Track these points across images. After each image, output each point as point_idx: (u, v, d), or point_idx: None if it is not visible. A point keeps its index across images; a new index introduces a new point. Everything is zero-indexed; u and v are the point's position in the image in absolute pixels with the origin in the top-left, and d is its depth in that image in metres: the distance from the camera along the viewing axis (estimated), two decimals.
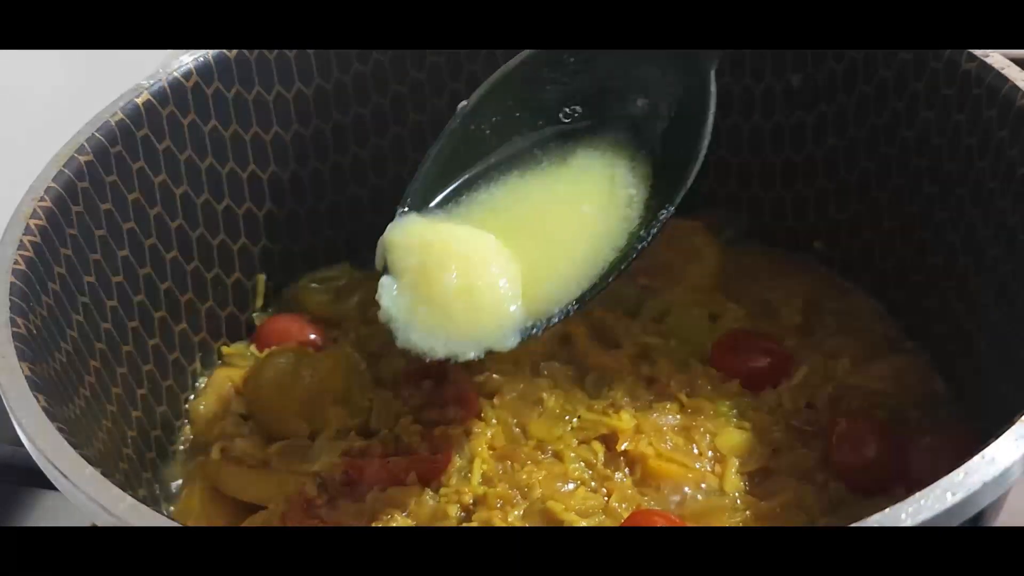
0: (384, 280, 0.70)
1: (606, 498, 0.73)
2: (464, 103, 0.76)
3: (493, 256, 0.71)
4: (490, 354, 0.70)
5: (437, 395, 0.80)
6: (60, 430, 0.57)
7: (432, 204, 0.74)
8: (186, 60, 0.80)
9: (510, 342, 0.69)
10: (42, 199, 0.69)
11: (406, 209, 0.73)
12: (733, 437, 0.76)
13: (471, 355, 0.69)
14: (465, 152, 0.76)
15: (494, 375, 0.81)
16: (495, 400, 0.79)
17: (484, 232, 0.72)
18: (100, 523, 0.54)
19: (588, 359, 0.82)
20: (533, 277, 0.71)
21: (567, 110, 0.76)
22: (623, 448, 0.75)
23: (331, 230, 0.93)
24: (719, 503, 0.72)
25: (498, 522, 0.71)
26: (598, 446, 0.76)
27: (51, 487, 0.57)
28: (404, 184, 0.93)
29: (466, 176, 0.75)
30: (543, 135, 0.77)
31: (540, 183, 0.75)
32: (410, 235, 0.71)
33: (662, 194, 0.73)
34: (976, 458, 0.52)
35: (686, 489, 0.73)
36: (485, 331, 0.69)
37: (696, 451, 0.75)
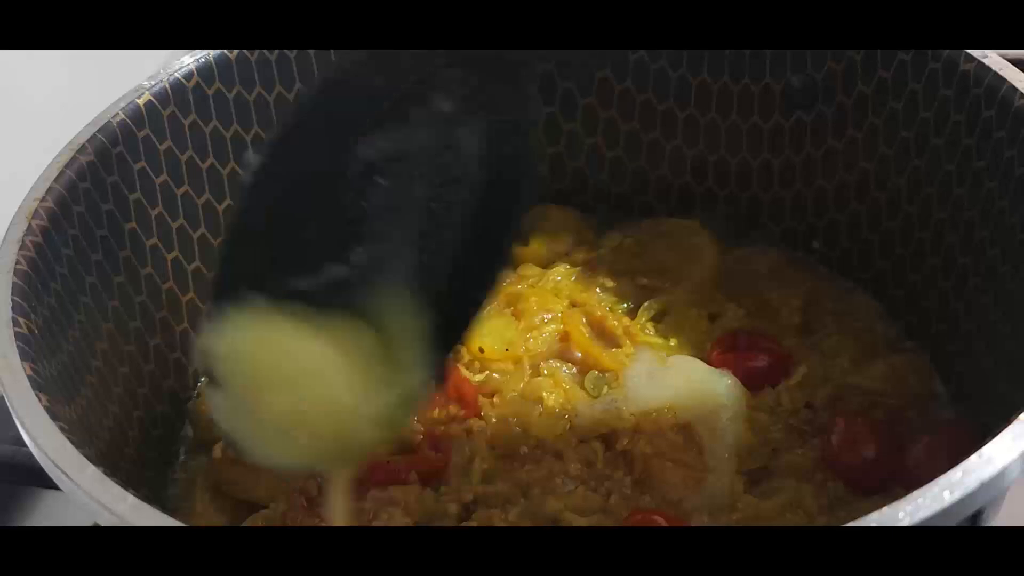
0: (209, 392, 0.60)
1: (606, 498, 0.73)
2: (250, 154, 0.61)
3: (327, 371, 0.59)
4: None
5: (437, 394, 0.80)
6: (62, 429, 0.57)
7: (249, 295, 0.59)
8: (187, 61, 0.80)
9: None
10: (44, 199, 0.69)
11: (223, 303, 0.60)
12: (732, 437, 0.76)
13: (328, 470, 0.63)
14: (270, 223, 0.61)
15: (494, 374, 0.81)
16: (495, 399, 0.80)
17: (315, 338, 0.59)
18: (102, 523, 0.54)
19: (588, 359, 0.82)
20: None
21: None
22: (623, 447, 0.75)
23: None
24: (718, 502, 0.72)
25: (498, 521, 0.71)
26: (598, 445, 0.76)
27: (53, 487, 0.57)
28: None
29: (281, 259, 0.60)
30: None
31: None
32: (233, 343, 0.59)
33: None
34: (974, 457, 0.52)
35: (685, 488, 0.73)
36: (330, 450, 0.60)
37: (695, 450, 0.75)
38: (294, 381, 0.58)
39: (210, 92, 0.81)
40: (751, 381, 0.80)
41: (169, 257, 0.81)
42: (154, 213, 0.79)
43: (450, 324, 0.60)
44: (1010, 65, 0.72)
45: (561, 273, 0.90)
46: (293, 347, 0.59)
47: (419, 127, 0.59)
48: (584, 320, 0.85)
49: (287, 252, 0.60)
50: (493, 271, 0.63)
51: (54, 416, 0.58)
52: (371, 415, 0.59)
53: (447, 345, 0.61)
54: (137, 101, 0.77)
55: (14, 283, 0.64)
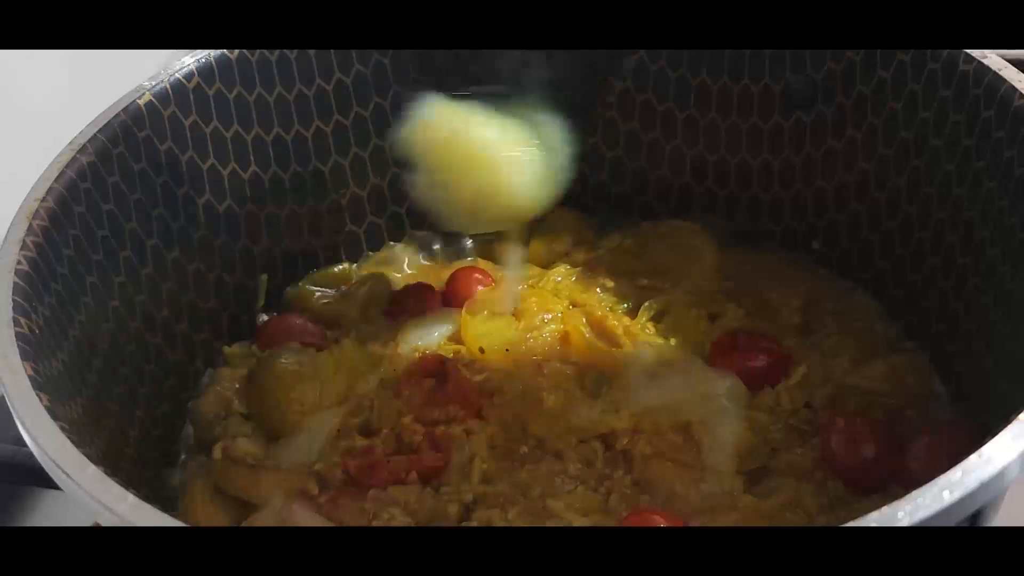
0: (409, 176, 0.74)
1: (605, 497, 0.73)
2: None
3: (500, 155, 0.72)
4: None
5: (438, 394, 0.80)
6: (63, 429, 0.57)
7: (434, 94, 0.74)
8: (188, 61, 0.80)
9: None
10: (44, 199, 0.69)
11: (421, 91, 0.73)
12: (732, 436, 0.76)
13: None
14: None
15: (494, 374, 0.81)
16: (495, 399, 0.80)
17: (488, 127, 0.73)
18: (103, 522, 0.54)
19: (588, 359, 0.82)
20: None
21: None
22: (623, 447, 0.76)
23: (332, 230, 0.93)
24: (718, 502, 0.72)
25: (498, 521, 0.71)
26: (597, 445, 0.76)
27: (54, 486, 0.57)
28: (404, 185, 0.94)
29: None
30: None
31: None
32: (427, 134, 0.73)
33: None
34: (973, 457, 0.52)
35: (685, 488, 0.73)
36: (504, 215, 0.75)
37: (695, 450, 0.75)
38: (476, 164, 0.72)
39: (210, 92, 0.81)
40: (751, 381, 0.80)
41: (169, 257, 0.81)
42: (155, 213, 0.79)
43: (576, 120, 0.75)
44: (1010, 65, 0.72)
45: (561, 273, 0.90)
46: (472, 135, 0.72)
47: None
48: (584, 320, 0.85)
49: (460, 65, 0.75)
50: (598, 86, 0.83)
51: (54, 416, 0.58)
52: (532, 186, 0.73)
53: (577, 136, 0.75)
54: (138, 101, 0.77)
55: (15, 283, 0.64)
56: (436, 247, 0.97)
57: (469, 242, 0.97)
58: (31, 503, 0.89)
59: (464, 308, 0.86)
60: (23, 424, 0.57)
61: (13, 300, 0.63)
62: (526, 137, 0.73)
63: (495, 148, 0.72)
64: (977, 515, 0.55)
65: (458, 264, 0.94)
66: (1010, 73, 0.71)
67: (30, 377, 0.59)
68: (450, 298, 0.90)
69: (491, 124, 0.73)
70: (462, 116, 0.73)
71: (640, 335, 0.84)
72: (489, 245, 0.96)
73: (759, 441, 0.76)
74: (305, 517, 0.73)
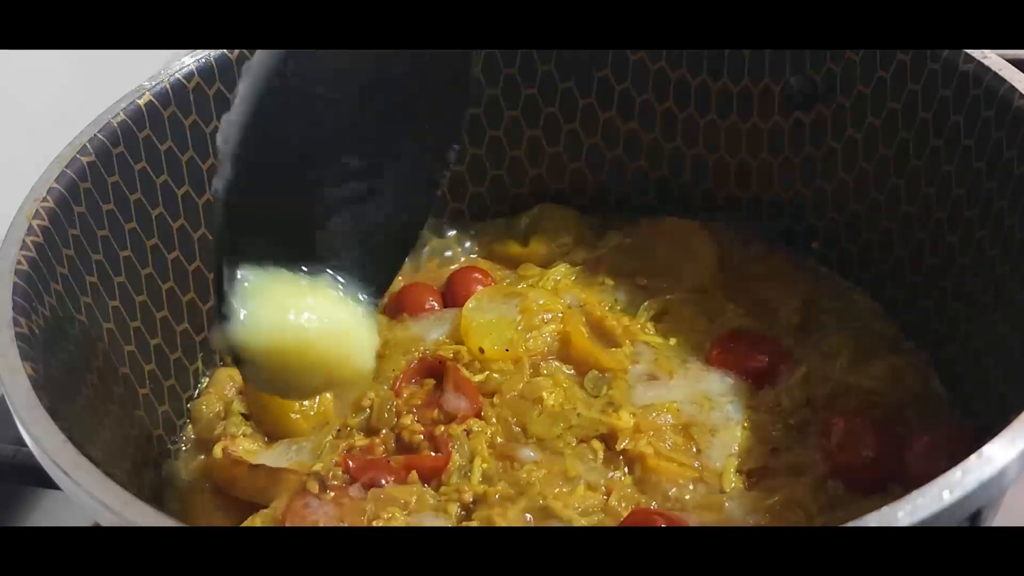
0: (240, 369, 0.67)
1: (605, 497, 0.73)
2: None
3: (333, 332, 0.68)
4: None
5: (438, 394, 0.81)
6: (62, 429, 0.57)
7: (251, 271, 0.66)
8: (188, 61, 0.80)
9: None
10: (45, 199, 0.69)
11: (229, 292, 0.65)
12: (732, 436, 0.76)
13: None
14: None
15: (494, 374, 0.81)
16: (495, 399, 0.80)
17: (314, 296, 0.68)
18: (103, 522, 0.54)
19: (588, 359, 0.82)
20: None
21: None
22: (622, 447, 0.76)
23: None
24: (717, 502, 0.72)
25: (498, 520, 0.71)
26: (597, 445, 0.76)
27: (54, 486, 0.57)
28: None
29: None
30: None
31: None
32: (253, 331, 0.65)
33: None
34: (973, 457, 0.52)
35: (685, 488, 0.73)
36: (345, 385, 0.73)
37: (695, 450, 0.76)
38: (315, 356, 0.67)
39: (210, 92, 0.81)
40: (751, 381, 0.80)
41: (170, 257, 0.81)
42: (155, 213, 0.79)
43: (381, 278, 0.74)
44: (1010, 65, 0.72)
45: (561, 272, 0.90)
46: (304, 311, 0.67)
47: None
48: (584, 320, 0.85)
49: (273, 239, 0.67)
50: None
51: (55, 416, 0.58)
52: (365, 349, 0.70)
53: (380, 291, 0.74)
54: (138, 101, 0.77)
55: (15, 283, 0.64)
56: (436, 247, 0.97)
57: (469, 242, 0.97)
58: (31, 503, 0.90)
59: (464, 308, 0.86)
60: (23, 424, 0.57)
61: (13, 300, 0.63)
62: (351, 309, 0.69)
63: (321, 327, 0.67)
64: (977, 515, 0.55)
65: (458, 264, 0.94)
66: (1010, 73, 0.71)
67: (30, 377, 0.59)
68: (450, 298, 0.90)
69: (318, 304, 0.68)
70: (280, 295, 0.66)
71: (640, 335, 0.84)
72: (489, 245, 0.96)
73: (759, 441, 0.76)
74: (306, 516, 0.73)
